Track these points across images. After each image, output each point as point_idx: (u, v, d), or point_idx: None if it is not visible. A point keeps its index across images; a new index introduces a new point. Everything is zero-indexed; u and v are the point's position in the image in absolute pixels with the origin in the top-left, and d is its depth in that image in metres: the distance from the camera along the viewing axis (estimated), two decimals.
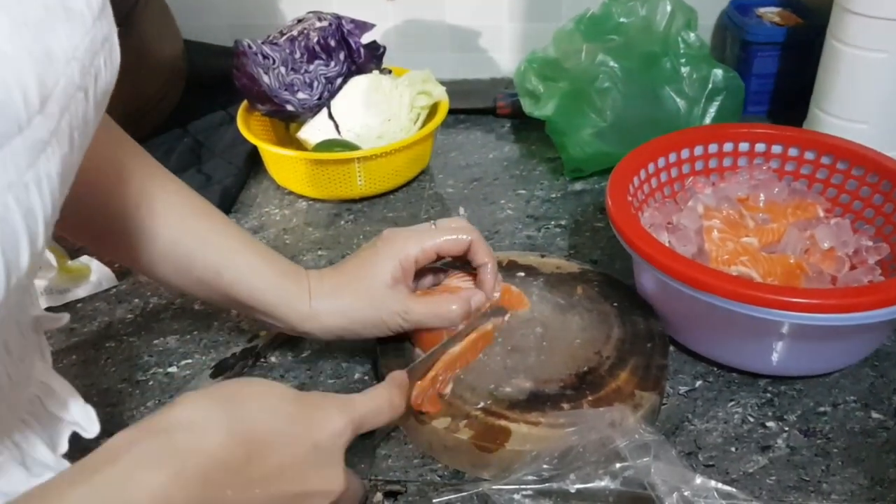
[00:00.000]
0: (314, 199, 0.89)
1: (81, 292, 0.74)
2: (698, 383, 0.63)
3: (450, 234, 0.62)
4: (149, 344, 0.69)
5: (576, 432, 0.53)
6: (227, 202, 0.87)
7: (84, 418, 0.45)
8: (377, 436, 0.56)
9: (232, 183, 0.89)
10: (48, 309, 0.71)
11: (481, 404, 0.57)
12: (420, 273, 0.64)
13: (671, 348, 0.66)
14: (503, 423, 0.55)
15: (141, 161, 0.58)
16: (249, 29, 1.09)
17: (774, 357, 0.60)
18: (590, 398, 0.57)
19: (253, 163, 0.93)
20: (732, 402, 0.61)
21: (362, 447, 0.50)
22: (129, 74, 1.01)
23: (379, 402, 0.49)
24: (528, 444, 0.53)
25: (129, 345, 0.69)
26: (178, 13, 1.05)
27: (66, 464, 0.43)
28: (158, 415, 0.38)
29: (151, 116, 0.99)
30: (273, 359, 0.67)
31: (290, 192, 0.90)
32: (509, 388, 0.58)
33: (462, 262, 0.65)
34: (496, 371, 0.60)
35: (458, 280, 0.65)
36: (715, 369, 0.64)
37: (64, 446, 0.45)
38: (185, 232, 0.58)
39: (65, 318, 0.49)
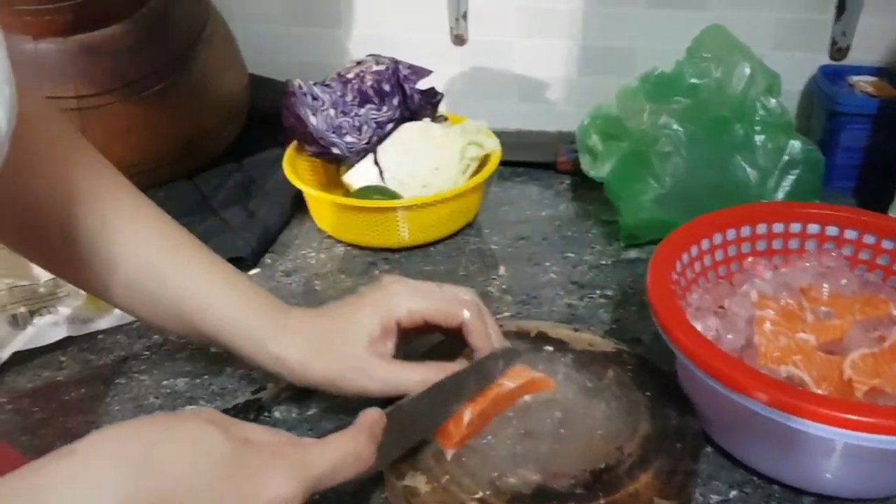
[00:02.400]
0: (353, 246, 0.86)
1: (104, 323, 0.73)
2: (733, 493, 0.56)
3: (444, 304, 0.57)
4: (158, 384, 0.67)
5: None
6: (266, 242, 0.85)
7: None
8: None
9: (274, 222, 0.88)
10: (68, 339, 0.70)
11: (479, 494, 0.52)
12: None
13: (709, 449, 0.59)
14: None
15: (106, 183, 0.56)
16: (317, 67, 1.09)
17: (822, 475, 0.53)
18: (602, 501, 0.51)
19: (299, 204, 0.91)
20: None
21: None
22: (188, 106, 1.01)
23: (341, 453, 0.44)
24: None
25: (138, 383, 0.67)
26: (247, 48, 1.05)
27: None
28: (48, 463, 0.34)
29: (207, 149, 0.99)
30: (277, 414, 0.63)
31: (330, 237, 0.87)
32: (514, 479, 0.53)
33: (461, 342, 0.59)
34: (503, 457, 0.55)
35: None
36: (755, 479, 0.57)
37: None
38: (149, 262, 0.55)
39: None
